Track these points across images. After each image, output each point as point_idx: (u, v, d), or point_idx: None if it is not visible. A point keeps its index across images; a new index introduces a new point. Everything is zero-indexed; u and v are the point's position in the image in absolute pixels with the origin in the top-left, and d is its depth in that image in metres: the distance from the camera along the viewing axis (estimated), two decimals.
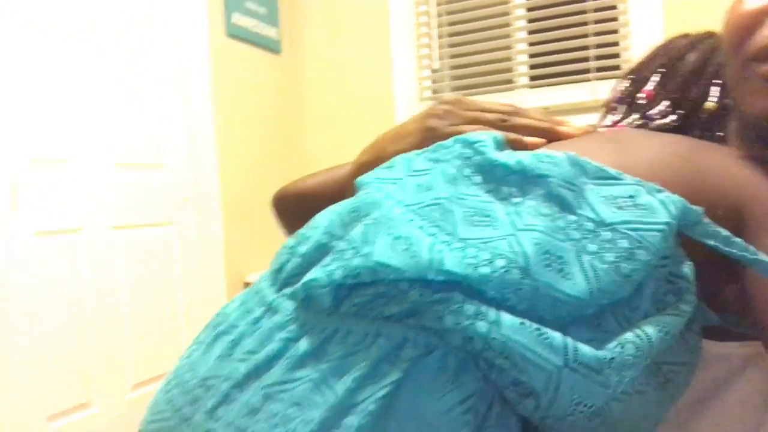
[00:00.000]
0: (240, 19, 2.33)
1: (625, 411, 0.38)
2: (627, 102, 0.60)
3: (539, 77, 2.29)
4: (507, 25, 2.33)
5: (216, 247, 2.19)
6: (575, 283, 0.38)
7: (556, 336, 0.37)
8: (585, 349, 0.36)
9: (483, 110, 0.55)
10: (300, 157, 2.65)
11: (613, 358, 0.36)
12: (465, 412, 0.37)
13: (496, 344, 0.36)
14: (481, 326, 0.36)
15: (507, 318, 0.37)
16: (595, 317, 0.38)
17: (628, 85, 0.60)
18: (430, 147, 0.50)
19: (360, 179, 0.50)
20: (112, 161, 1.85)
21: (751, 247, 0.40)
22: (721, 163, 0.45)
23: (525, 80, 2.31)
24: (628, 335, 0.37)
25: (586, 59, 2.18)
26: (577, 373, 0.36)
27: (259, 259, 2.36)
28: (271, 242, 2.42)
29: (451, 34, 2.42)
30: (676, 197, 0.40)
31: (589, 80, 2.18)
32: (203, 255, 2.16)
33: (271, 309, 0.45)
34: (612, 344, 0.37)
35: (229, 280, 2.23)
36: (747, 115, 0.46)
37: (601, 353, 0.37)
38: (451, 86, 2.44)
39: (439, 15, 2.41)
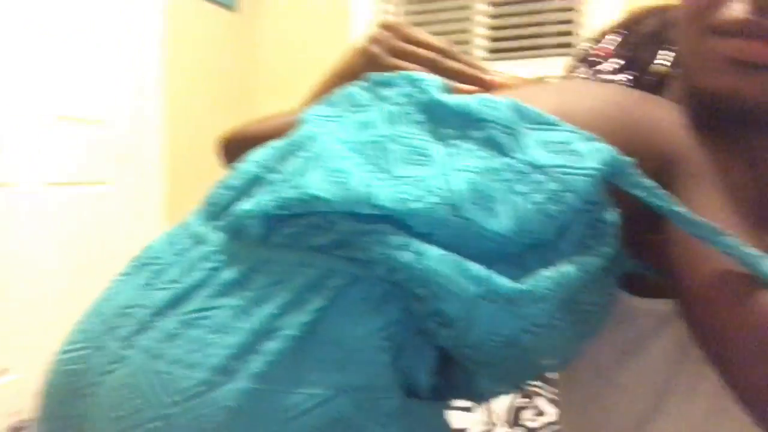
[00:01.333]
0: None
1: (539, 343, 0.39)
2: (583, 60, 0.60)
3: (498, 50, 2.29)
4: None
5: (158, 209, 2.12)
6: (501, 222, 0.38)
7: (476, 267, 0.37)
8: (502, 280, 0.38)
9: (419, 44, 0.54)
10: (254, 116, 2.59)
11: (529, 291, 0.38)
12: (384, 338, 0.38)
13: (418, 273, 0.37)
14: (406, 256, 0.37)
15: (431, 249, 0.37)
16: (519, 256, 0.40)
17: (589, 45, 0.61)
18: (372, 80, 0.49)
19: (300, 116, 0.49)
20: (50, 114, 1.76)
21: (673, 200, 0.40)
22: (659, 117, 0.46)
23: (483, 53, 2.31)
24: (546, 271, 0.39)
25: (543, 35, 2.19)
26: (493, 303, 0.37)
27: None
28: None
29: (411, 2, 2.39)
30: (607, 147, 0.41)
31: (545, 56, 2.19)
32: (144, 216, 2.09)
33: (198, 240, 0.44)
34: (529, 278, 0.38)
35: None
36: (696, 89, 0.46)
37: (517, 285, 0.38)
38: None
39: None
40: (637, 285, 0.50)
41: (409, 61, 0.53)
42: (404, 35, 0.55)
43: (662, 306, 0.50)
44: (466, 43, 2.33)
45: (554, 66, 2.14)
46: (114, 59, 1.98)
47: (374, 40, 0.55)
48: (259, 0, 2.55)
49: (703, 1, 0.44)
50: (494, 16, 2.28)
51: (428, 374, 0.41)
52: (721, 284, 0.41)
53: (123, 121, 2.02)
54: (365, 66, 0.54)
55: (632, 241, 0.46)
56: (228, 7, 2.45)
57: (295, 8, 2.50)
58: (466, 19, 2.32)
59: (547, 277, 0.38)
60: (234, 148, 0.64)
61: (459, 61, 0.54)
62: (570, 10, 2.17)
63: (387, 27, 0.56)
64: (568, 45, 2.18)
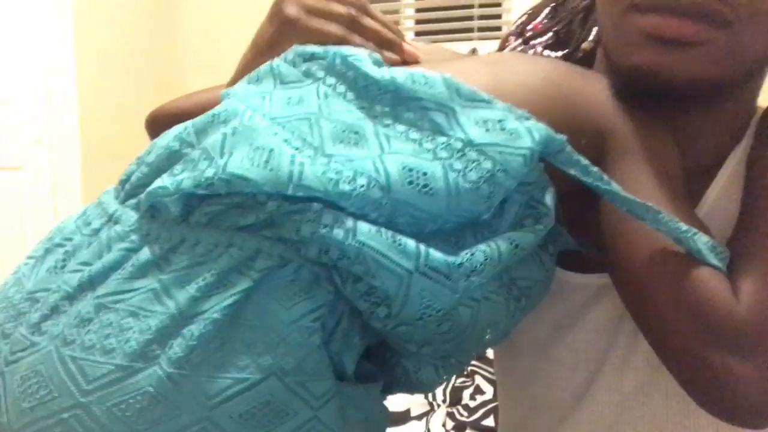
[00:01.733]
0: None
1: (474, 316, 0.40)
2: (518, 34, 0.61)
3: (424, 33, 2.29)
4: None
5: (73, 195, 2.00)
6: (435, 200, 0.38)
7: (410, 242, 0.37)
8: (436, 254, 0.37)
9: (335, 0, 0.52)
10: (175, 94, 2.48)
11: (461, 263, 0.38)
12: (313, 321, 0.37)
13: (351, 250, 0.36)
14: (338, 233, 0.36)
15: (363, 226, 0.37)
16: (455, 234, 0.40)
17: (524, 19, 0.61)
18: (299, 53, 0.47)
19: (224, 91, 0.47)
20: None
21: (605, 177, 0.41)
22: (592, 91, 0.46)
23: (411, 35, 2.31)
24: (480, 246, 0.39)
25: (470, 18, 2.21)
26: (426, 276, 0.37)
27: None
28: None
29: None
30: (541, 125, 0.41)
31: (472, 39, 2.21)
32: (58, 203, 1.97)
33: (112, 220, 0.42)
34: (463, 251, 0.38)
35: None
36: (617, 65, 0.47)
37: (450, 258, 0.38)
38: None
39: None
40: (570, 260, 0.51)
41: (328, 20, 0.50)
42: None
43: (595, 280, 0.52)
44: (396, 23, 2.32)
45: (481, 49, 2.17)
46: (22, 37, 1.83)
47: (289, 1, 0.51)
48: None
49: None
50: None
51: (354, 359, 0.40)
52: (654, 261, 0.41)
53: (33, 101, 1.88)
54: (283, 32, 0.51)
55: (568, 218, 0.47)
56: None
57: None
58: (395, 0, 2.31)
59: (480, 251, 0.39)
60: (160, 125, 0.58)
61: (377, 19, 0.52)
62: None
63: None
64: (496, 28, 2.22)
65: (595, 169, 0.41)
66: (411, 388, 0.45)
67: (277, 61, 0.47)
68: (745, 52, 0.43)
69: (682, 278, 0.40)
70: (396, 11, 2.31)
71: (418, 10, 2.30)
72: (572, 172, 0.41)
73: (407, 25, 2.31)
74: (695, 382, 0.40)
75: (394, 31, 0.52)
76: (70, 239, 0.43)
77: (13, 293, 0.42)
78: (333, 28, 0.49)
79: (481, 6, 2.20)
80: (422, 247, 0.37)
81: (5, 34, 1.79)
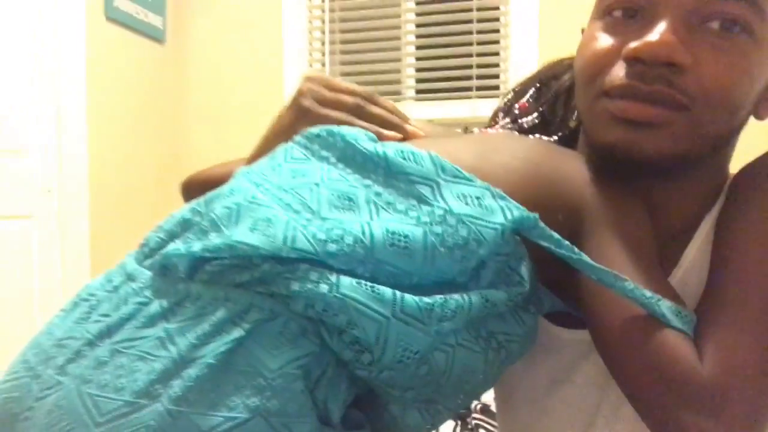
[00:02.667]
0: (122, 3, 2.20)
1: (450, 361, 0.44)
2: (505, 111, 0.65)
3: (425, 91, 2.37)
4: (397, 38, 2.40)
5: (81, 244, 2.03)
6: (413, 259, 0.43)
7: (387, 290, 0.42)
8: (410, 299, 0.42)
9: (343, 92, 0.59)
10: (181, 151, 2.54)
11: (433, 307, 0.42)
12: (297, 368, 0.41)
13: (334, 302, 0.41)
14: (323, 288, 0.41)
15: (345, 280, 0.41)
16: (433, 290, 0.44)
17: (511, 97, 0.66)
18: (306, 136, 0.54)
19: (239, 169, 0.53)
20: None
21: (575, 249, 0.45)
22: (568, 170, 0.51)
23: (412, 93, 2.39)
24: (454, 295, 0.44)
25: (469, 78, 2.30)
26: (402, 321, 0.41)
27: None
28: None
29: (343, 42, 2.45)
30: (514, 205, 0.46)
31: (470, 98, 2.29)
32: (66, 252, 2.00)
33: (130, 278, 0.48)
34: (437, 296, 0.43)
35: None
36: (593, 143, 0.52)
37: (422, 302, 0.42)
38: None
39: (332, 21, 2.44)
40: (563, 316, 0.54)
41: (337, 110, 0.58)
42: (329, 85, 0.60)
43: (586, 336, 0.54)
44: (397, 82, 2.41)
45: (479, 107, 2.25)
46: (35, 90, 1.90)
47: (302, 93, 0.60)
48: (187, 33, 2.54)
49: (594, 68, 0.50)
50: (421, 59, 2.37)
51: (340, 407, 0.44)
52: (624, 326, 0.45)
53: (45, 151, 1.93)
54: (298, 119, 0.59)
55: (557, 279, 0.50)
56: (156, 39, 2.42)
57: (223, 41, 2.51)
58: (397, 59, 2.41)
59: (453, 299, 0.43)
60: (194, 189, 0.69)
61: (382, 106, 0.59)
62: (495, 54, 2.30)
63: (311, 79, 0.61)
64: (494, 87, 2.30)
65: (566, 243, 0.45)
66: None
67: (289, 143, 0.54)
68: (705, 130, 0.48)
69: (649, 342, 0.43)
70: (397, 71, 2.40)
71: (418, 70, 2.39)
72: (545, 245, 0.45)
73: (408, 84, 2.39)
74: None
75: (398, 115, 0.59)
76: (94, 295, 0.48)
77: (45, 340, 0.47)
78: (340, 116, 0.57)
79: (479, 66, 2.30)
80: (398, 293, 0.42)
81: (18, 85, 1.86)
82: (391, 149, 0.49)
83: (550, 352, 0.57)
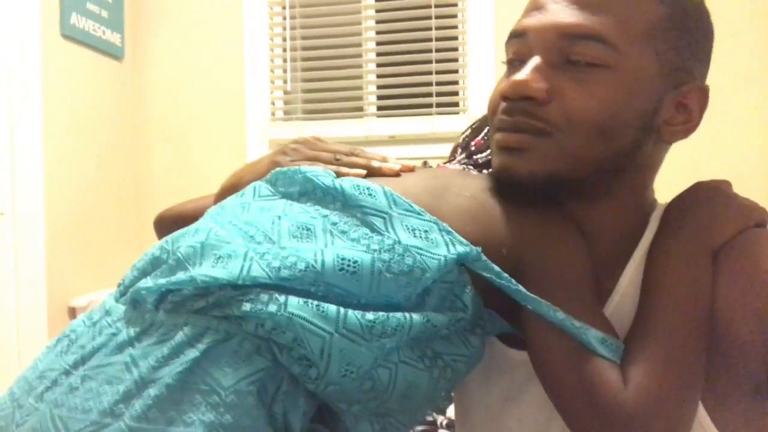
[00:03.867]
0: (79, 21, 2.18)
1: (393, 377, 0.48)
2: (463, 147, 0.70)
3: (386, 108, 2.41)
4: (359, 56, 2.43)
5: (37, 269, 1.98)
6: (361, 282, 0.47)
7: (332, 308, 0.46)
8: (352, 316, 0.46)
9: (323, 150, 0.65)
10: (142, 171, 2.51)
11: (374, 324, 0.46)
12: (251, 383, 0.45)
13: (282, 320, 0.45)
14: (271, 307, 0.45)
15: (293, 299, 0.45)
16: (381, 310, 0.47)
17: (468, 134, 0.71)
18: (273, 174, 0.59)
19: (209, 209, 0.58)
20: None
21: (513, 281, 0.49)
22: (510, 208, 0.55)
23: (373, 109, 2.42)
24: (396, 314, 0.47)
25: (429, 95, 2.34)
26: (345, 337, 0.45)
27: (87, 281, 2.18)
28: (102, 263, 2.25)
29: (305, 59, 2.46)
30: (458, 240, 0.50)
31: (431, 114, 2.33)
32: (21, 277, 1.94)
33: (107, 313, 0.52)
34: (379, 313, 0.46)
35: (51, 305, 2.02)
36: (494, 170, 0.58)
37: (365, 318, 0.46)
38: (303, 109, 2.48)
39: (293, 39, 2.45)
40: (517, 338, 0.57)
41: (312, 161, 0.63)
42: (312, 144, 0.65)
43: None
44: (359, 99, 2.43)
45: (438, 124, 2.29)
46: None
47: (281, 152, 0.65)
48: (146, 50, 2.51)
49: (491, 109, 0.59)
50: (382, 76, 2.41)
51: (300, 419, 0.47)
52: (555, 354, 0.49)
53: None
54: (269, 168, 0.62)
55: (499, 308, 0.54)
56: (115, 57, 2.39)
57: (183, 59, 2.49)
58: (358, 77, 2.43)
59: (395, 317, 0.47)
60: (165, 225, 0.74)
61: (360, 156, 0.64)
62: (454, 72, 2.35)
63: (296, 141, 0.66)
64: (453, 104, 2.34)
65: (506, 275, 0.50)
66: None
67: (258, 182, 0.59)
68: (577, 152, 0.54)
69: (577, 369, 0.47)
70: (359, 88, 2.43)
71: (380, 87, 2.42)
72: (487, 275, 0.50)
73: (370, 100, 2.42)
74: None
75: (375, 159, 0.63)
76: (74, 330, 0.53)
77: (29, 374, 0.52)
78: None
79: (438, 84, 2.34)
80: (342, 310, 0.46)
81: None
82: (347, 183, 0.53)
83: (503, 372, 0.60)
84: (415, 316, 0.47)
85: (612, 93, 0.52)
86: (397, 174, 0.61)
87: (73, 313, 2.11)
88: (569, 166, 0.54)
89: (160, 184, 2.49)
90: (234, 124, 2.44)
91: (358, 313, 0.46)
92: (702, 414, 0.50)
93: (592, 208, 0.57)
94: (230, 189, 0.65)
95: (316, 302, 0.45)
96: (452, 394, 0.56)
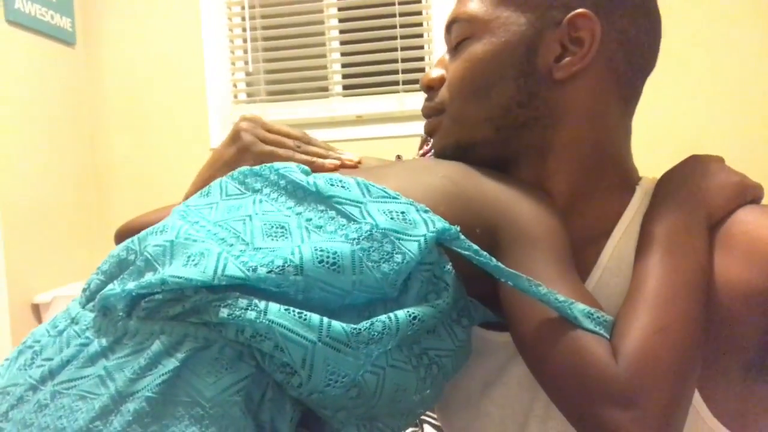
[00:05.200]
0: (24, 5, 2.07)
1: (380, 383, 0.45)
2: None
3: (352, 87, 2.36)
4: (322, 34, 2.37)
5: None
6: (344, 276, 0.45)
7: (315, 316, 0.43)
8: (337, 325, 0.43)
9: (281, 134, 0.65)
10: (99, 160, 2.42)
11: (360, 332, 0.43)
12: (236, 392, 0.42)
13: (262, 328, 0.42)
14: (251, 314, 0.42)
15: (273, 306, 0.43)
16: (366, 309, 0.46)
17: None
18: (241, 172, 0.56)
19: (176, 208, 0.54)
20: None
21: (494, 259, 0.48)
22: (487, 188, 0.54)
23: (339, 89, 2.37)
24: (381, 317, 0.45)
25: (395, 72, 2.31)
26: (329, 346, 0.42)
27: (48, 277, 2.11)
28: (62, 257, 2.18)
29: (266, 38, 2.40)
30: (437, 218, 0.49)
31: (397, 92, 2.30)
32: None
33: (74, 321, 0.49)
34: (364, 321, 0.44)
35: (14, 302, 1.95)
36: None
37: (349, 327, 0.43)
38: (266, 90, 2.42)
39: (252, 18, 2.38)
40: (495, 321, 0.55)
41: (278, 147, 0.63)
42: (267, 126, 0.66)
43: None
44: (324, 78, 2.38)
45: (405, 101, 2.26)
46: None
47: (243, 130, 0.64)
48: (99, 34, 2.41)
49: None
50: (346, 54, 2.36)
51: (288, 425, 0.45)
52: (539, 330, 0.47)
53: None
54: (241, 153, 0.64)
55: (481, 297, 0.52)
56: (66, 42, 2.29)
57: (139, 42, 2.40)
58: (322, 56, 2.38)
59: (380, 321, 0.44)
60: (128, 237, 0.69)
61: (317, 145, 0.66)
62: (420, 48, 2.31)
63: (249, 119, 0.66)
64: (417, 82, 2.31)
65: (485, 252, 0.48)
66: None
67: (224, 179, 0.56)
68: (463, 116, 0.59)
69: (563, 344, 0.45)
70: (324, 67, 2.38)
71: (344, 66, 2.38)
72: (466, 254, 0.48)
73: (335, 80, 2.37)
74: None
75: (334, 151, 0.66)
76: (38, 341, 0.49)
77: None
78: (282, 152, 0.63)
79: (404, 61, 2.30)
80: (325, 319, 0.43)
81: None
82: (321, 179, 0.52)
83: (482, 356, 0.58)
84: (400, 315, 0.45)
85: (475, 54, 0.57)
86: (351, 165, 0.63)
87: (36, 310, 2.04)
88: (467, 131, 0.58)
89: (121, 172, 2.41)
90: (195, 108, 2.37)
91: (343, 324, 0.43)
92: (695, 395, 0.48)
93: (543, 171, 0.57)
94: (197, 188, 0.63)
95: (298, 310, 0.43)
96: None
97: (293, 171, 0.53)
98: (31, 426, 0.42)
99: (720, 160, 0.55)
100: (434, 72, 0.62)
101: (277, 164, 0.55)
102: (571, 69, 0.54)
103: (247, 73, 2.42)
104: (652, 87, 0.65)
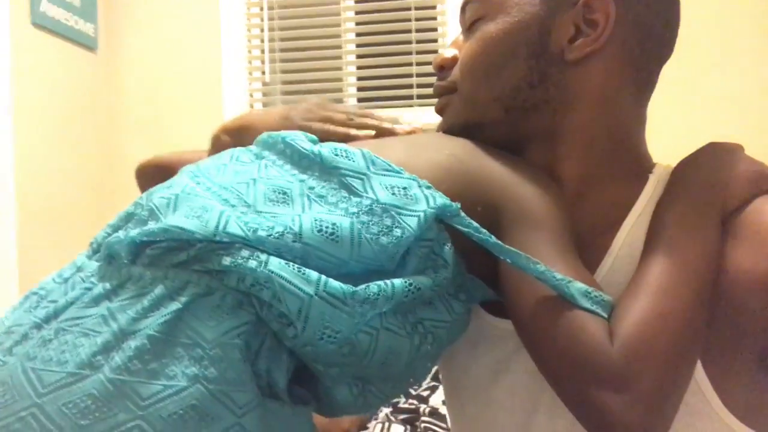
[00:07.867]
0: (49, 9, 2.12)
1: (373, 343, 0.47)
2: None
3: (367, 99, 2.39)
4: (338, 47, 2.41)
5: (8, 260, 1.92)
6: (341, 246, 0.46)
7: (313, 272, 0.44)
8: (334, 282, 0.45)
9: (337, 110, 0.65)
10: (116, 163, 2.45)
11: (356, 292, 0.45)
12: (236, 336, 0.44)
13: (262, 277, 0.44)
14: (252, 263, 0.44)
15: (275, 260, 0.44)
16: (363, 279, 0.47)
17: None
18: (256, 144, 0.58)
19: (188, 165, 0.56)
20: None
21: (493, 236, 0.48)
22: (491, 168, 0.54)
23: (354, 102, 2.40)
24: (377, 281, 0.46)
25: (410, 86, 2.33)
26: (325, 301, 0.44)
27: None
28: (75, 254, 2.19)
29: (283, 50, 2.44)
30: (438, 194, 0.49)
31: (412, 106, 2.32)
32: None
33: (79, 269, 0.50)
34: (360, 284, 0.45)
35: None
36: None
37: (347, 287, 0.45)
38: (283, 100, 2.45)
39: (271, 29, 2.42)
40: (502, 307, 0.55)
41: (324, 122, 0.63)
42: (326, 106, 0.66)
43: None
44: (339, 90, 2.41)
45: (420, 114, 2.28)
46: None
47: (294, 108, 0.66)
48: (120, 40, 2.46)
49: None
50: (362, 67, 2.39)
51: (284, 375, 0.46)
52: (536, 308, 0.47)
53: None
54: (279, 126, 0.63)
55: (482, 276, 0.52)
56: (88, 47, 2.33)
57: (159, 50, 2.44)
58: (338, 68, 2.41)
59: (375, 284, 0.46)
60: (149, 173, 0.72)
61: (372, 117, 0.66)
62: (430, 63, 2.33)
63: (312, 102, 0.67)
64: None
65: (484, 230, 0.48)
66: (332, 408, 0.50)
67: (239, 149, 0.58)
68: (474, 95, 0.59)
69: (559, 323, 0.45)
70: (339, 79, 2.41)
71: (360, 78, 2.41)
72: (465, 232, 0.48)
73: (350, 92, 2.40)
74: (585, 417, 0.44)
75: (387, 120, 0.66)
76: (44, 288, 0.50)
77: None
78: (323, 126, 0.63)
79: (419, 75, 2.33)
80: (323, 276, 0.44)
81: None
82: (326, 148, 0.52)
83: (492, 343, 0.59)
84: (397, 282, 0.46)
85: (488, 33, 0.57)
86: (410, 133, 0.63)
87: None
88: (476, 110, 0.59)
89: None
90: (211, 116, 2.40)
91: (341, 283, 0.45)
92: (705, 383, 0.48)
93: (552, 155, 0.57)
94: (234, 131, 0.64)
95: (297, 265, 0.44)
96: (439, 373, 0.54)
97: (299, 140, 0.54)
98: (34, 359, 0.44)
99: (739, 148, 0.55)
100: (447, 52, 0.62)
101: (284, 132, 0.56)
102: (584, 50, 0.54)
103: (264, 83, 2.45)
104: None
